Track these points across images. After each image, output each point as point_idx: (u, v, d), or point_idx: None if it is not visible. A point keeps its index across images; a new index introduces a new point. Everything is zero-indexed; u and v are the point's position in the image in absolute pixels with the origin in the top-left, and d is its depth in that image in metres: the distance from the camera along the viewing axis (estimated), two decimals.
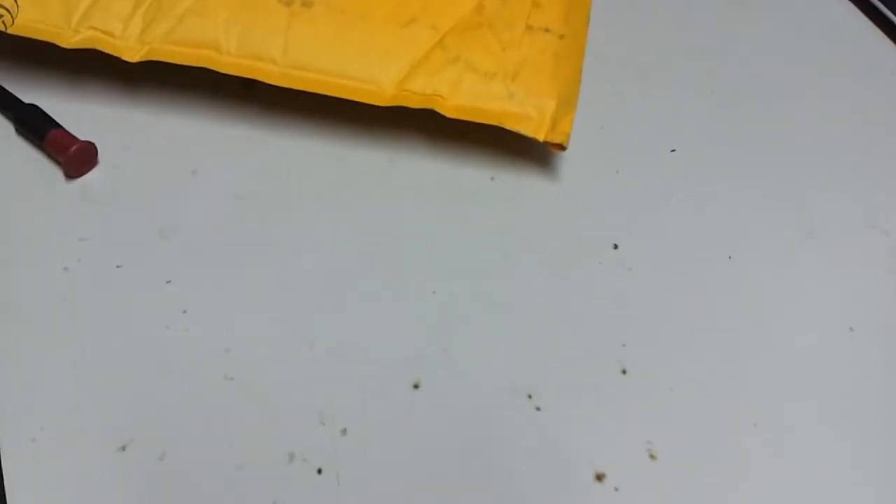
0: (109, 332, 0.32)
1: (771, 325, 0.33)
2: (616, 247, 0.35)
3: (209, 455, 0.30)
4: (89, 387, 0.31)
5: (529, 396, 0.31)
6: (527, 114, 0.36)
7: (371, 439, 0.30)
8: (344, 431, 0.30)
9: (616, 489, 0.29)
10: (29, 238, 0.34)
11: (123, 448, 0.30)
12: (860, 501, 0.30)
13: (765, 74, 0.40)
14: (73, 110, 0.38)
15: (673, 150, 0.39)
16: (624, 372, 0.32)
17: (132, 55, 0.36)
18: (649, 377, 0.32)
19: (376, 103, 0.35)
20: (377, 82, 0.36)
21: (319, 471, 0.30)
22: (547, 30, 0.38)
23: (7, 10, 0.36)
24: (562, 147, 0.36)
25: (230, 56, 0.36)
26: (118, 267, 0.34)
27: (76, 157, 0.36)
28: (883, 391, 0.32)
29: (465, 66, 0.36)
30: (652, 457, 0.30)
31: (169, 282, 0.34)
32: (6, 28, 0.36)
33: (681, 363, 0.32)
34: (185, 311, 0.33)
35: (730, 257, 0.36)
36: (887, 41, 0.41)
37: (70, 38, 0.36)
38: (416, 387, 0.31)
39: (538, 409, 0.31)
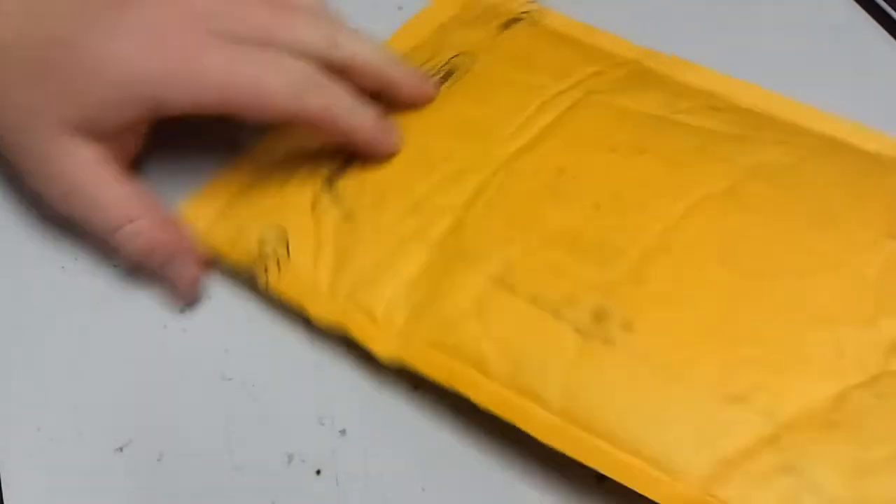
0: (107, 332, 0.32)
1: None
2: None
3: (207, 456, 0.30)
4: (86, 387, 0.31)
5: None
6: None
7: (371, 439, 0.30)
8: (343, 432, 0.30)
9: None
10: (26, 237, 0.34)
11: (121, 449, 0.30)
12: None
13: (764, 73, 0.40)
14: None
15: None
16: None
17: (384, 347, 0.30)
18: None
19: (661, 501, 0.26)
20: (672, 468, 0.26)
21: (318, 472, 0.29)
22: None
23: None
24: None
25: (497, 383, 0.28)
26: (115, 266, 0.34)
27: None
28: None
29: (803, 483, 0.26)
30: None
31: None
32: (266, 286, 0.32)
33: None
34: (183, 311, 0.33)
35: None
36: (890, 40, 0.41)
37: (325, 306, 0.31)
38: (416, 387, 0.31)
39: None
